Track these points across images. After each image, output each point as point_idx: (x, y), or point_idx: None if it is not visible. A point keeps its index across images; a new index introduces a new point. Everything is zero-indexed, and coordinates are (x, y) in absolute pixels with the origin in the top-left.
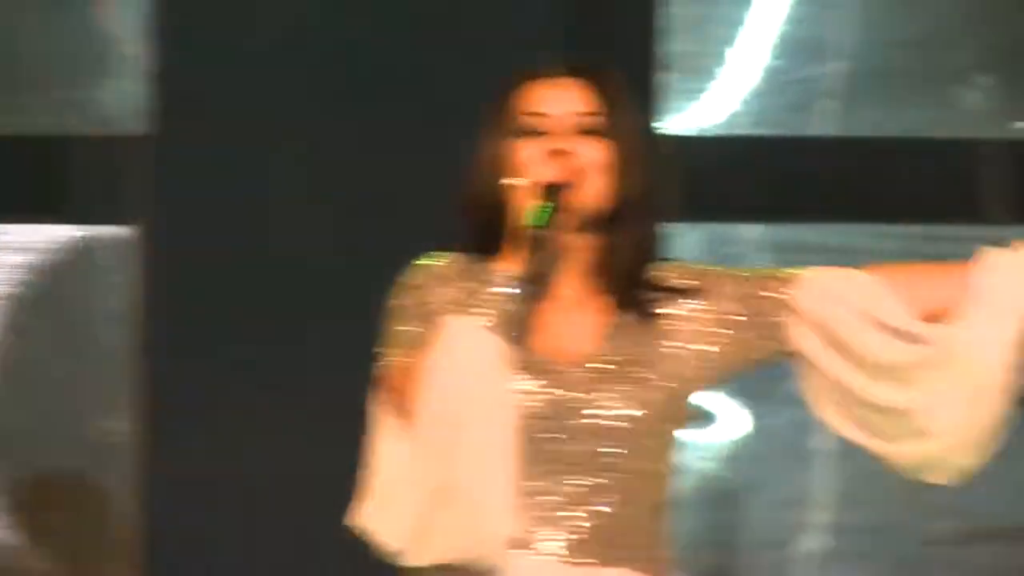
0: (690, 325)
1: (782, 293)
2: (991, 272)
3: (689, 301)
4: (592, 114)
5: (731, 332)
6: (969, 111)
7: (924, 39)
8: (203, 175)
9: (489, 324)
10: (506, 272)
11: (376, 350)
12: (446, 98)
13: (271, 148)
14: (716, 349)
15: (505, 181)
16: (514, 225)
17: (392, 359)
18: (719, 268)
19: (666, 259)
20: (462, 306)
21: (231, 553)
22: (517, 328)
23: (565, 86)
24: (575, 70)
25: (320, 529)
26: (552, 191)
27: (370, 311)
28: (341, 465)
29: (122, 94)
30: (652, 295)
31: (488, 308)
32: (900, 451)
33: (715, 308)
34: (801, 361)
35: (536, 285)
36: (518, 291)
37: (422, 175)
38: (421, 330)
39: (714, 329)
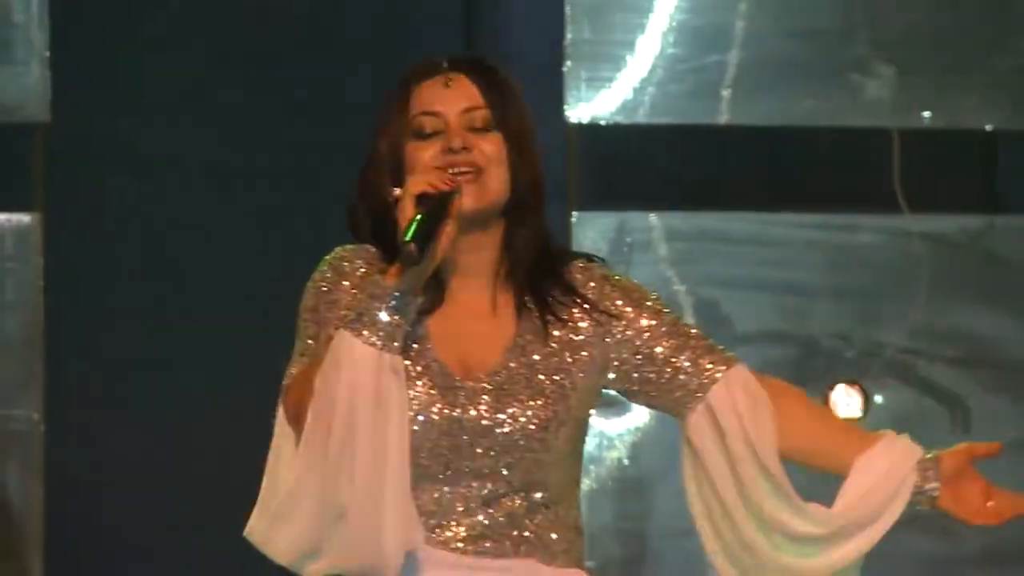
0: (598, 338)
1: (707, 370)
2: (870, 468)
3: (603, 316)
4: (483, 108)
5: (636, 364)
6: (868, 100)
7: (824, 28)
8: (104, 163)
9: (379, 339)
10: (392, 286)
11: (289, 350)
12: (345, 92)
13: (173, 136)
14: (611, 376)
15: (393, 193)
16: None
17: (295, 369)
18: (649, 296)
19: (591, 258)
20: (355, 319)
21: (133, 543)
22: (411, 342)
23: (454, 83)
24: (462, 65)
25: (221, 522)
26: (427, 201)
27: (269, 302)
28: (243, 457)
29: (22, 81)
30: (559, 296)
31: (376, 322)
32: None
33: (631, 335)
34: (688, 443)
35: (426, 296)
36: (405, 304)
37: (319, 166)
38: (320, 338)
39: (619, 355)
